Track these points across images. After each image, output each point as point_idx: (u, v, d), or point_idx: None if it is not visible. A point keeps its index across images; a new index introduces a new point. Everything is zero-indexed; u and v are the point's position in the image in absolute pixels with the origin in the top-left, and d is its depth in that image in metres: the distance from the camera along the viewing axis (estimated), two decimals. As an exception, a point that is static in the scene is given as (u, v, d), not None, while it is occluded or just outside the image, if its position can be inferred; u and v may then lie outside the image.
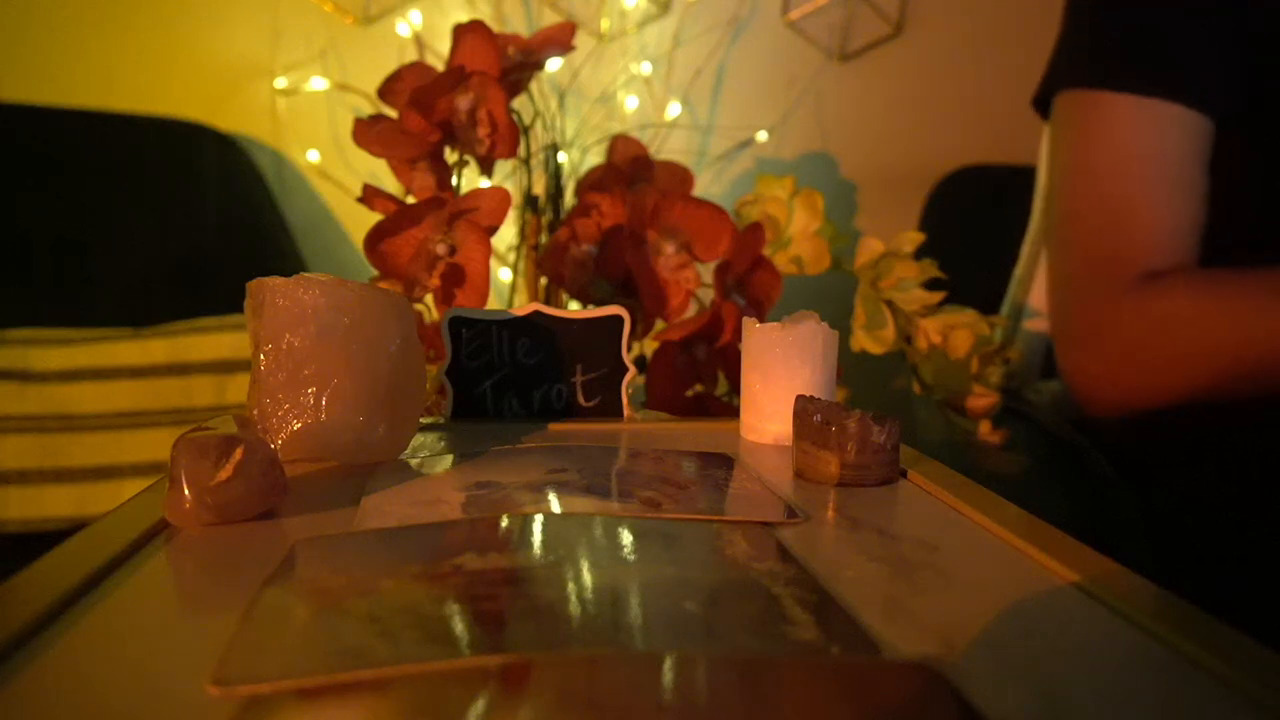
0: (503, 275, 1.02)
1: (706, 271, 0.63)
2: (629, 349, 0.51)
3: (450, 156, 0.62)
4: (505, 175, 1.00)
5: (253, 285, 0.37)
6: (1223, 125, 0.62)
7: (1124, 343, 0.60)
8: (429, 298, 0.58)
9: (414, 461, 0.39)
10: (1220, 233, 0.62)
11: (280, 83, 1.07)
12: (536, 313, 0.50)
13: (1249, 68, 0.61)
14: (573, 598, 0.24)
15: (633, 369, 0.51)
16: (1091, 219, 0.63)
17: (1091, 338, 0.63)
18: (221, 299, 0.85)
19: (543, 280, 0.75)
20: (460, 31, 0.60)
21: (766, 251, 0.69)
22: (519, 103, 0.66)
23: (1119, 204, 0.61)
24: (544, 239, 0.79)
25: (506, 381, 0.50)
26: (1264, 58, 0.60)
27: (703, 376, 0.63)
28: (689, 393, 0.63)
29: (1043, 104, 0.71)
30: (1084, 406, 0.64)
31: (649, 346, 0.64)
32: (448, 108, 0.58)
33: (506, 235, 1.01)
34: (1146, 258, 0.60)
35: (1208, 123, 0.61)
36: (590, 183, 0.73)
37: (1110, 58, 0.63)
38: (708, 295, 0.64)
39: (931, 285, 0.65)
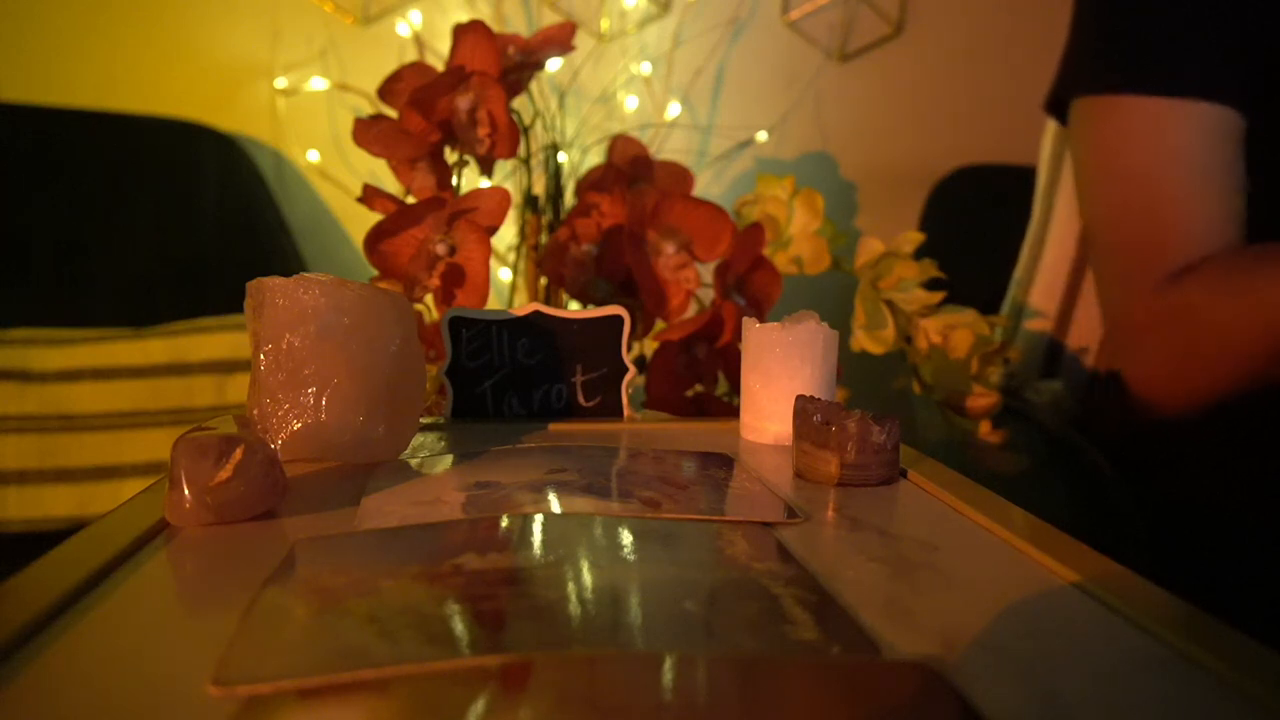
0: (503, 275, 1.02)
1: (706, 271, 0.63)
2: (629, 349, 0.51)
3: (450, 156, 0.62)
4: (505, 175, 1.00)
5: (253, 285, 0.37)
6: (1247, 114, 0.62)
7: (1165, 342, 0.60)
8: (429, 298, 0.58)
9: (414, 461, 0.39)
10: (1253, 221, 0.62)
11: (280, 83, 1.07)
12: (536, 313, 0.50)
13: (1261, 59, 0.60)
14: (573, 598, 0.24)
15: (633, 369, 0.51)
16: (1122, 224, 0.63)
17: (1135, 341, 0.63)
18: (221, 299, 0.86)
19: (543, 280, 0.75)
20: (460, 31, 0.60)
21: (766, 251, 0.69)
22: (519, 103, 0.66)
23: (1147, 207, 0.61)
24: (544, 239, 0.79)
25: (506, 381, 0.50)
26: (1273, 49, 0.60)
27: (703, 376, 0.63)
28: (689, 393, 0.63)
29: (1056, 107, 0.71)
30: (1154, 410, 0.64)
31: (649, 346, 0.64)
32: (448, 108, 0.58)
33: (506, 235, 1.01)
34: (1178, 257, 0.60)
35: (1233, 114, 0.61)
36: (590, 183, 0.73)
37: (1125, 60, 0.63)
38: (708, 295, 0.64)
39: (931, 285, 0.65)
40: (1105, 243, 0.65)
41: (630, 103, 1.11)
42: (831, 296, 0.80)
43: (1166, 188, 0.61)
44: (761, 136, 1.15)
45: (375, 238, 0.55)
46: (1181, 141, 0.60)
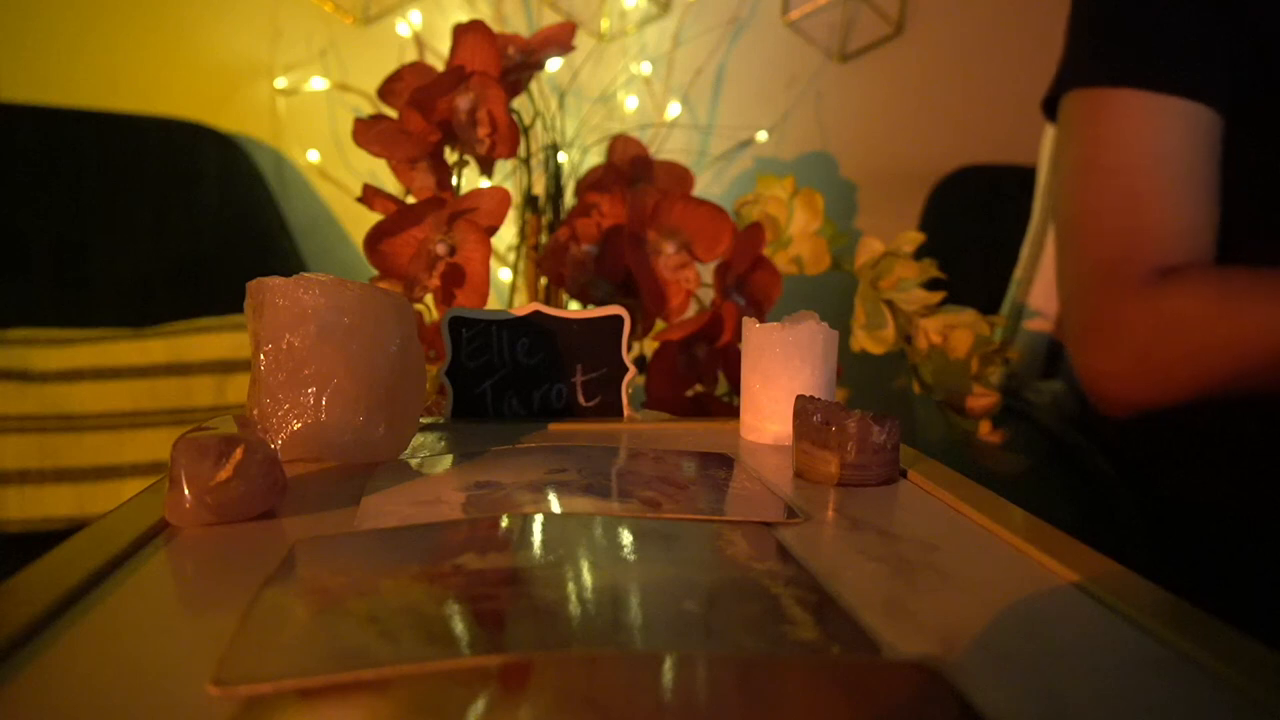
0: (503, 275, 1.02)
1: (706, 271, 0.63)
2: (629, 349, 0.51)
3: (450, 156, 0.62)
4: (505, 175, 1.00)
5: (253, 285, 0.37)
6: (1229, 118, 0.62)
7: (1134, 342, 0.60)
8: (429, 298, 0.58)
9: (414, 461, 0.39)
10: (1227, 226, 0.62)
11: (280, 83, 1.07)
12: (536, 313, 0.50)
13: (1251, 61, 0.60)
14: (573, 598, 0.24)
15: (633, 369, 0.51)
16: (1101, 219, 0.63)
17: (1103, 338, 0.63)
18: (221, 299, 0.85)
19: (543, 280, 0.75)
20: (460, 31, 0.60)
21: (766, 251, 0.69)
22: (519, 103, 0.66)
23: (1127, 203, 0.61)
24: (544, 239, 0.79)
25: (506, 381, 0.50)
26: (1265, 50, 0.60)
27: (703, 376, 0.63)
28: (689, 393, 0.63)
29: (1050, 107, 0.71)
30: (1098, 407, 0.64)
31: (649, 346, 0.64)
32: (448, 108, 0.58)
33: (506, 235, 1.01)
34: (1156, 256, 0.60)
35: (1216, 116, 0.61)
36: (590, 183, 0.73)
37: (1115, 55, 0.63)
38: (708, 295, 0.64)
39: (931, 285, 0.65)
40: (1079, 239, 0.65)
41: (630, 103, 1.11)
42: (831, 296, 0.80)
43: (1151, 183, 0.60)
44: (761, 136, 1.15)
45: (375, 238, 0.55)
46: (1169, 139, 0.60)
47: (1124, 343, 0.61)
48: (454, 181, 0.62)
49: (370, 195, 0.59)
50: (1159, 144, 0.61)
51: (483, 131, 0.58)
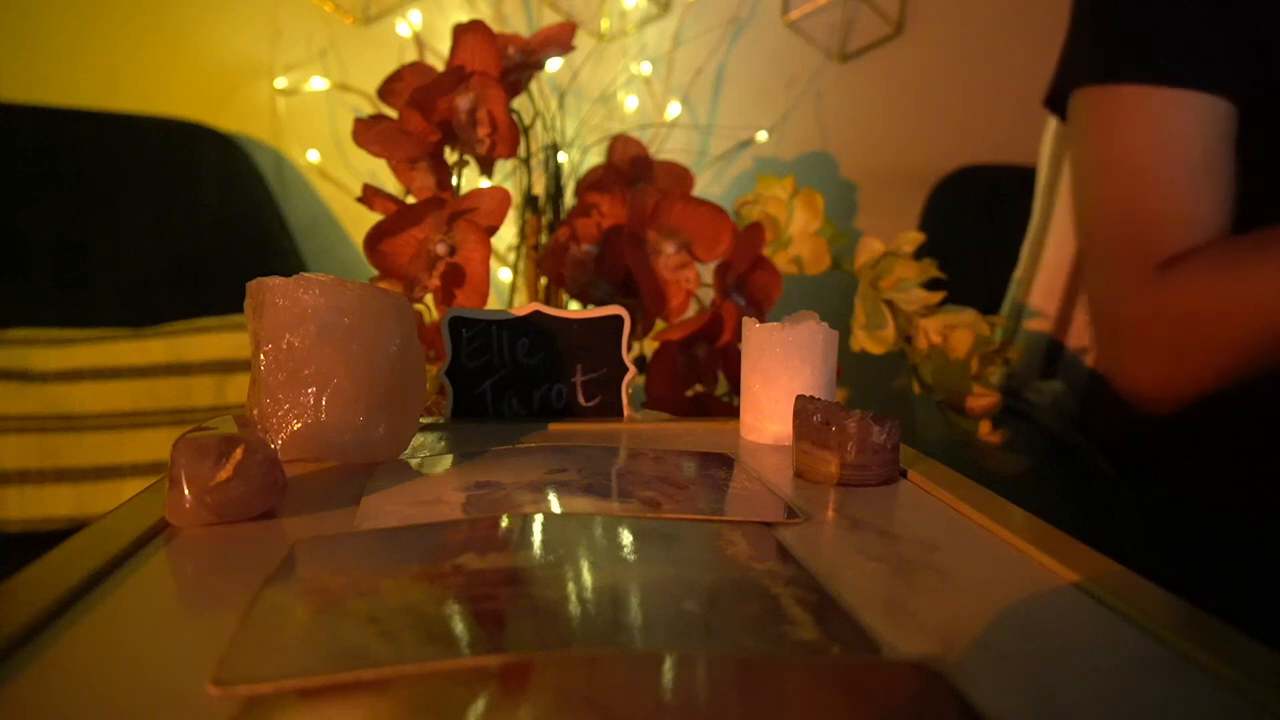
0: (503, 275, 1.02)
1: (706, 271, 0.63)
2: (629, 349, 0.51)
3: (450, 156, 0.62)
4: (505, 175, 1.00)
5: (253, 285, 0.37)
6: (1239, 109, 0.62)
7: (1149, 334, 0.60)
8: (429, 298, 0.58)
9: (414, 461, 0.39)
10: (1239, 216, 0.61)
11: (280, 83, 1.07)
12: (536, 313, 0.50)
13: (1252, 60, 0.60)
14: (573, 598, 0.24)
15: (633, 369, 0.51)
16: (1113, 215, 0.63)
17: (1121, 334, 0.63)
18: (221, 299, 0.85)
19: (543, 280, 0.75)
20: (460, 31, 0.60)
21: (766, 251, 0.69)
22: (519, 103, 0.66)
23: (1138, 198, 0.61)
24: (544, 239, 0.79)
25: (506, 381, 0.50)
26: (1265, 50, 0.60)
27: (703, 376, 0.63)
28: (689, 393, 0.63)
29: (1055, 103, 0.71)
30: (1137, 406, 0.64)
31: (649, 346, 0.64)
32: (448, 108, 0.58)
33: (506, 235, 1.01)
34: (1169, 247, 0.60)
35: (1228, 106, 0.61)
36: (590, 183, 0.73)
37: (1122, 51, 0.63)
38: (708, 295, 0.64)
39: (931, 285, 0.65)
40: (1098, 234, 0.65)
41: (630, 103, 1.11)
42: (831, 296, 0.80)
43: (1161, 177, 0.60)
44: (761, 136, 1.15)
45: (375, 238, 0.55)
46: (1179, 132, 0.60)
47: (1139, 338, 0.60)
48: (454, 181, 0.62)
49: (370, 195, 0.59)
50: (1165, 137, 0.61)
51: (483, 131, 0.58)
